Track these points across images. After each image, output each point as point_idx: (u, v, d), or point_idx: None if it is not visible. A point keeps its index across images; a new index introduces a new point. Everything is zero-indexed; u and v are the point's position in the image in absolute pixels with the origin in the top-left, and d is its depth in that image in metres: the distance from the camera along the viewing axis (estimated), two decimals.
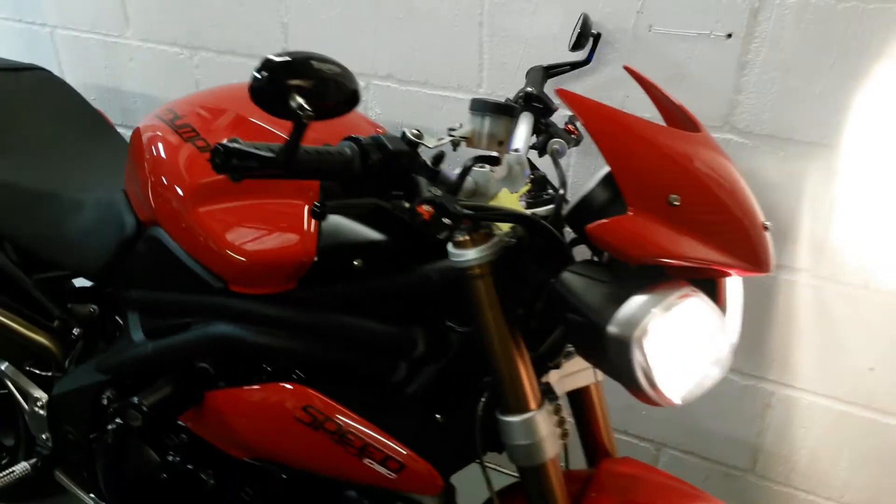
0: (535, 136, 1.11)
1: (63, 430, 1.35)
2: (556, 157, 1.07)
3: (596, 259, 0.87)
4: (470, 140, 0.86)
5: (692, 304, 0.78)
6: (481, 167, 0.90)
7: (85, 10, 1.97)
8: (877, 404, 1.37)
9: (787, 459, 1.51)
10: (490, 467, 1.01)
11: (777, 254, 1.32)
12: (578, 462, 1.14)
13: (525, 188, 0.97)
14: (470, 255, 0.86)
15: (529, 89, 1.14)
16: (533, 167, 1.04)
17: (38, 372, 1.43)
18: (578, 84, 1.38)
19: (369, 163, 0.76)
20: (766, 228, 0.82)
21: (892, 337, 1.31)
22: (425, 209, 0.76)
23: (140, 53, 1.93)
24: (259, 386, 1.00)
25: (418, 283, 0.99)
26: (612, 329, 0.76)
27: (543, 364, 0.98)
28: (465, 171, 0.82)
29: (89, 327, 1.37)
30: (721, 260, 0.78)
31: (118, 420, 1.13)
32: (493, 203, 0.91)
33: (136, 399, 1.03)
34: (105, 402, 1.23)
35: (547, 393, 0.96)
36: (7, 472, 1.44)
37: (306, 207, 0.97)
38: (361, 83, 1.64)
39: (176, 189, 1.00)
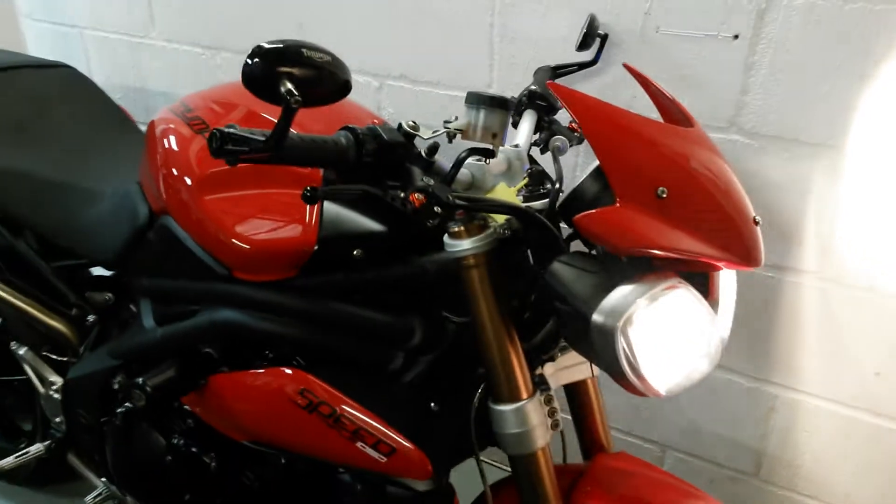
0: (538, 133, 1.13)
1: (76, 413, 1.39)
2: (556, 153, 1.08)
3: (588, 251, 0.89)
4: (465, 132, 0.89)
5: (679, 296, 0.79)
6: (477, 160, 0.92)
7: (113, 12, 2.04)
8: (882, 409, 1.36)
9: (791, 464, 1.50)
10: (486, 462, 1.03)
11: (782, 255, 1.35)
12: (576, 459, 1.15)
13: (522, 182, 0.98)
14: (465, 245, 0.88)
15: (533, 87, 1.15)
16: (533, 162, 1.05)
17: (54, 357, 1.47)
18: (586, 84, 1.39)
19: (364, 152, 0.79)
20: (756, 223, 0.83)
21: None
22: (417, 197, 0.78)
23: (164, 54, 1.99)
24: (258, 370, 1.02)
25: (416, 273, 1.02)
26: (596, 318, 0.77)
27: (537, 356, 1.00)
28: (459, 162, 0.84)
29: (104, 314, 1.41)
30: (708, 252, 0.79)
31: (127, 404, 1.17)
32: (489, 196, 0.94)
33: (140, 380, 1.06)
34: (116, 386, 1.27)
35: (540, 384, 0.98)
36: (22, 452, 1.48)
37: None
38: (375, 83, 1.68)
39: (185, 179, 1.04)
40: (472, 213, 0.88)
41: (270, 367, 1.02)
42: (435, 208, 0.79)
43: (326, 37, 1.67)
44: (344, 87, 0.71)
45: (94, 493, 1.45)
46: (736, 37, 1.24)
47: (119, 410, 1.22)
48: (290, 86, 0.65)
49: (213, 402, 1.10)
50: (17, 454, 1.50)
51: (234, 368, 1.07)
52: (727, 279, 0.90)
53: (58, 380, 1.44)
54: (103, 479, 1.44)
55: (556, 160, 1.03)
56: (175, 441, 1.20)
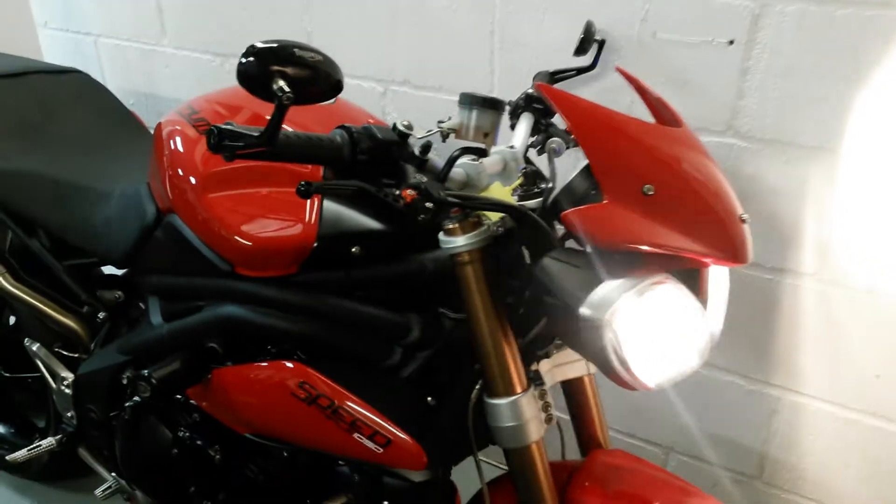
0: (536, 135, 1.15)
1: (86, 408, 1.43)
2: (552, 154, 1.11)
3: (580, 248, 0.91)
4: (458, 132, 0.91)
5: (666, 290, 0.81)
6: (473, 160, 0.95)
7: (126, 20, 2.09)
8: (883, 412, 1.36)
9: (794, 467, 1.51)
10: (485, 462, 1.05)
11: (782, 258, 1.36)
12: (575, 456, 1.16)
13: (517, 182, 1.00)
14: (459, 242, 0.91)
15: (531, 91, 1.18)
16: (529, 163, 1.08)
17: (66, 353, 1.51)
18: (586, 89, 1.41)
19: (359, 150, 0.82)
20: (743, 221, 0.85)
21: None
22: (409, 193, 0.81)
23: (175, 60, 2.04)
24: (260, 364, 1.05)
25: (414, 271, 1.04)
26: (584, 311, 0.79)
27: (532, 352, 1.02)
28: (452, 160, 0.87)
29: (114, 312, 1.45)
30: (695, 248, 0.81)
31: (136, 398, 1.20)
32: (483, 194, 0.96)
33: (146, 372, 1.09)
34: (124, 381, 1.30)
35: (534, 379, 1.00)
36: (34, 445, 1.52)
37: None
38: (380, 89, 1.72)
39: (190, 178, 1.07)
40: (466, 212, 0.91)
41: (272, 361, 1.05)
42: (426, 204, 0.82)
43: (334, 44, 1.71)
44: (336, 86, 0.74)
45: (104, 487, 1.49)
46: (731, 42, 1.26)
47: (127, 405, 1.25)
48: (282, 83, 0.68)
49: (217, 395, 1.12)
50: (29, 447, 1.53)
51: (237, 363, 1.10)
52: (718, 276, 0.92)
53: (69, 375, 1.48)
54: (113, 475, 1.47)
55: (550, 161, 1.06)
56: (181, 434, 1.23)
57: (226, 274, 1.07)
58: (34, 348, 1.51)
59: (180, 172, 1.09)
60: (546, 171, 1.10)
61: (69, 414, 1.50)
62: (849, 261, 1.30)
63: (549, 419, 0.98)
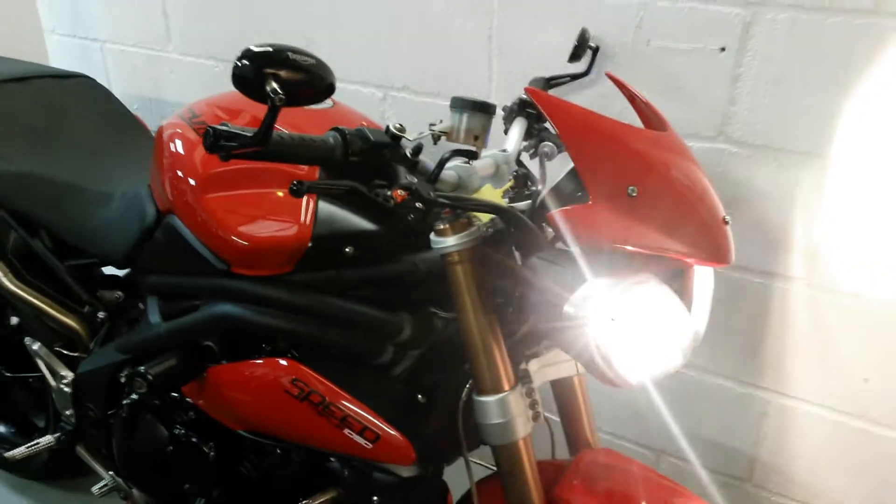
0: (529, 139, 1.18)
1: (85, 406, 1.45)
2: (543, 158, 1.13)
3: (567, 249, 0.93)
4: (448, 135, 0.93)
5: (649, 289, 0.83)
6: (465, 162, 0.97)
7: (131, 26, 2.13)
8: (871, 415, 1.37)
9: (783, 470, 1.52)
10: (476, 463, 1.06)
11: (771, 262, 1.38)
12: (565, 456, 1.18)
13: (508, 184, 1.03)
14: (449, 242, 0.93)
15: (524, 96, 1.20)
16: (521, 166, 1.10)
17: (66, 353, 1.53)
18: (580, 95, 1.43)
19: (351, 151, 0.84)
20: (725, 223, 0.87)
21: (886, 347, 1.32)
22: (399, 193, 0.83)
23: (180, 66, 2.07)
24: (255, 361, 1.07)
25: (406, 271, 1.06)
26: (568, 309, 0.81)
27: (521, 351, 1.03)
28: (442, 162, 0.89)
29: (114, 312, 1.47)
30: (677, 249, 0.83)
31: (133, 396, 1.22)
32: (474, 196, 0.98)
33: (142, 368, 1.11)
34: (122, 380, 1.32)
35: (523, 378, 1.01)
36: (33, 443, 1.54)
37: (305, 197, 1.05)
38: (379, 94, 1.74)
39: (189, 179, 1.10)
40: (457, 213, 0.93)
41: (266, 359, 1.07)
42: (416, 204, 0.84)
43: (334, 50, 1.74)
44: (328, 89, 0.76)
45: (101, 484, 1.51)
46: (722, 49, 1.28)
47: (125, 402, 1.27)
48: (275, 85, 0.70)
49: (212, 393, 1.14)
50: (28, 444, 1.56)
51: (232, 361, 1.12)
52: (702, 278, 0.93)
53: (69, 374, 1.50)
54: (111, 473, 1.49)
55: (542, 164, 1.08)
56: (177, 432, 1.25)
57: (222, 273, 1.09)
58: (35, 347, 1.54)
59: (179, 174, 1.11)
60: (538, 175, 1.13)
61: (68, 412, 1.52)
62: (837, 265, 1.31)
63: (535, 416, 1.00)
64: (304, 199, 1.05)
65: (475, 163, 0.97)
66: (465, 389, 1.01)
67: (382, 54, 1.69)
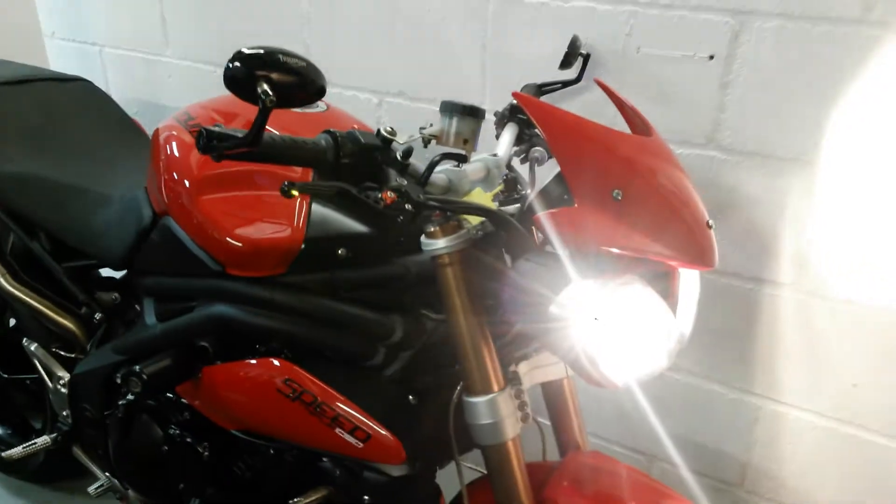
0: (520, 145, 1.19)
1: (81, 407, 1.46)
2: (533, 163, 1.15)
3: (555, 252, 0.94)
4: (438, 138, 0.95)
5: (634, 291, 0.84)
6: (456, 166, 0.99)
7: (130, 31, 2.15)
8: (860, 420, 1.38)
9: (775, 475, 1.53)
10: (467, 467, 1.08)
11: (761, 268, 1.39)
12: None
13: (498, 188, 1.04)
14: (440, 244, 0.94)
15: (515, 102, 1.22)
16: (510, 170, 1.12)
17: (63, 354, 1.54)
18: (572, 102, 1.45)
19: (342, 153, 0.86)
20: (709, 227, 0.88)
21: (875, 353, 1.33)
22: (389, 195, 0.84)
23: (178, 71, 2.09)
24: (248, 361, 1.08)
25: (398, 273, 1.08)
26: (553, 309, 0.82)
27: (510, 353, 1.05)
28: (432, 165, 0.90)
29: (111, 314, 1.49)
30: (661, 251, 0.84)
31: (129, 396, 1.24)
32: (465, 199, 1.00)
33: (137, 368, 1.13)
34: (118, 380, 1.33)
35: (512, 380, 1.03)
36: (30, 443, 1.55)
37: (298, 199, 1.07)
38: (375, 100, 1.76)
39: (184, 181, 1.11)
40: (447, 215, 0.95)
41: (259, 359, 1.08)
42: (406, 206, 0.85)
43: (331, 56, 1.76)
44: (319, 92, 0.78)
45: (97, 485, 1.52)
46: (711, 57, 1.30)
47: (120, 403, 1.28)
48: (266, 87, 0.72)
49: (206, 393, 1.16)
50: (25, 444, 1.57)
51: (226, 361, 1.14)
52: (688, 281, 0.95)
53: (65, 375, 1.51)
54: (107, 474, 1.50)
55: (532, 169, 1.10)
56: (172, 432, 1.26)
57: (217, 274, 1.11)
58: (32, 348, 1.55)
59: (175, 176, 1.13)
60: (528, 180, 1.15)
61: (65, 413, 1.53)
62: (827, 271, 1.33)
63: (525, 418, 1.01)
64: (298, 201, 1.06)
65: (466, 166, 0.98)
66: (456, 391, 1.02)
67: (379, 61, 1.71)
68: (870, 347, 1.34)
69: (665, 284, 0.91)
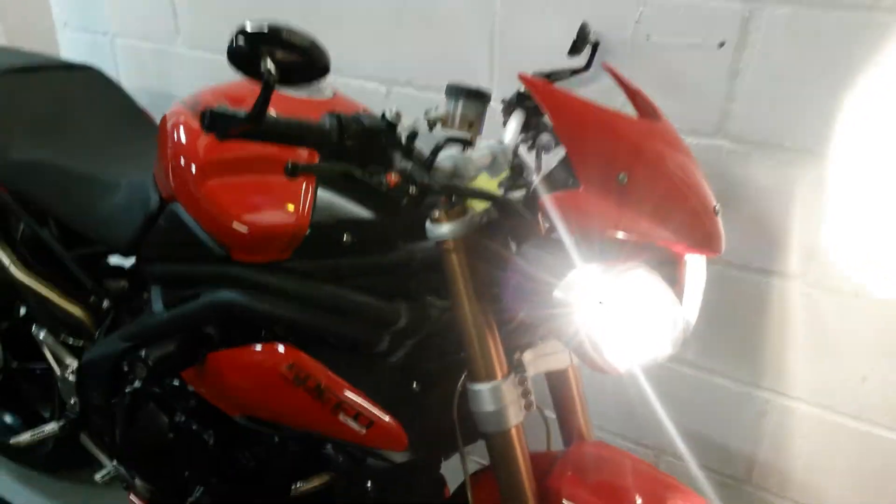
0: (527, 132, 1.18)
1: (88, 394, 1.47)
2: (540, 151, 1.14)
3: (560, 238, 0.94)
4: (444, 121, 0.95)
5: (639, 276, 0.83)
6: (461, 151, 0.98)
7: (141, 20, 2.16)
8: (869, 415, 1.37)
9: (782, 470, 1.51)
10: (472, 460, 1.07)
11: (769, 260, 1.37)
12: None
13: (503, 174, 1.04)
14: (445, 229, 0.94)
15: (523, 90, 1.21)
16: (516, 156, 1.11)
17: (71, 342, 1.55)
18: (581, 91, 1.42)
19: (346, 135, 0.85)
20: (716, 213, 0.87)
21: (883, 346, 1.31)
22: (392, 177, 0.84)
23: (188, 61, 2.10)
24: (252, 346, 1.08)
25: (403, 259, 1.08)
26: (557, 293, 0.82)
27: (514, 340, 1.04)
28: (437, 148, 0.90)
29: (119, 301, 1.49)
30: (666, 236, 0.83)
31: (136, 383, 1.24)
32: (470, 185, 0.99)
33: (142, 353, 1.13)
34: (125, 368, 1.34)
35: (516, 368, 1.02)
36: (38, 430, 1.56)
37: (304, 184, 1.06)
38: (383, 89, 1.76)
39: (191, 166, 1.11)
40: (452, 201, 0.94)
41: (264, 344, 1.08)
42: (410, 189, 0.85)
43: (339, 45, 1.74)
44: (323, 70, 0.77)
45: (104, 472, 1.53)
46: (721, 44, 1.28)
47: (127, 390, 1.29)
48: (269, 64, 0.71)
49: (211, 378, 1.16)
50: (33, 431, 1.58)
51: (231, 347, 1.14)
52: (694, 269, 0.94)
53: (74, 363, 1.52)
54: (115, 463, 1.51)
55: (538, 157, 1.09)
56: (177, 420, 1.26)
57: (222, 260, 1.11)
58: (41, 335, 1.56)
59: (182, 161, 1.13)
60: (534, 168, 1.14)
61: (72, 401, 1.54)
62: (837, 263, 1.31)
63: (528, 406, 1.01)
64: (304, 186, 1.06)
65: (471, 152, 0.98)
66: (461, 380, 1.02)
67: (387, 50, 1.70)
68: (879, 341, 1.32)
69: (671, 271, 0.91)
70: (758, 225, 1.35)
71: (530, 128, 1.18)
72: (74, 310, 1.53)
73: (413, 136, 0.90)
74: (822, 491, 1.48)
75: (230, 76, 1.76)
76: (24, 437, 1.61)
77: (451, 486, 1.23)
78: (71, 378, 1.52)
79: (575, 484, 1.04)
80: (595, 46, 1.36)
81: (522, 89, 1.21)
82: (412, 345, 1.09)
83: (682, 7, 1.30)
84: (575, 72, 1.36)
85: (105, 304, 1.50)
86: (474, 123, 0.95)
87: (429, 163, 0.90)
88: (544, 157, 1.14)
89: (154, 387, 1.27)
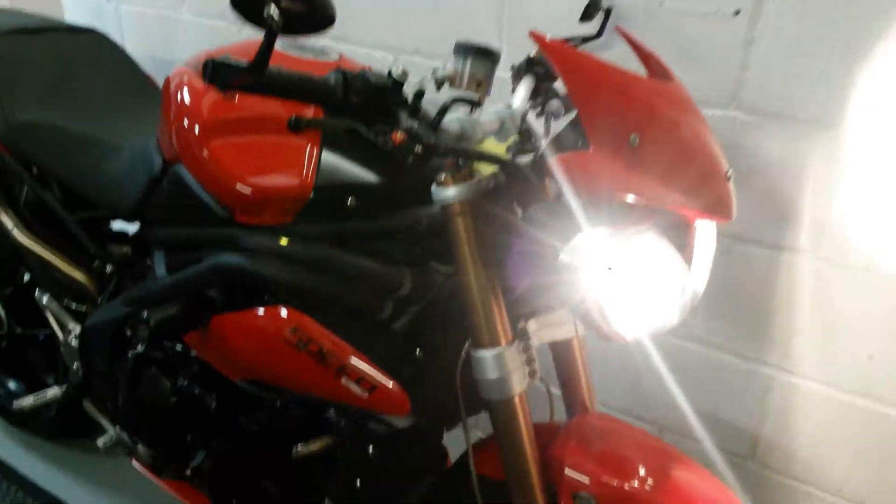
0: (536, 98, 1.16)
1: (91, 359, 1.46)
2: (549, 117, 1.12)
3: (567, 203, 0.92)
4: (452, 80, 0.93)
5: (646, 240, 0.82)
6: (469, 112, 0.97)
7: None
8: (875, 393, 1.35)
9: (786, 447, 1.50)
10: (477, 435, 1.07)
11: (780, 234, 1.35)
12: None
13: (511, 139, 1.02)
14: (450, 193, 0.92)
15: (532, 55, 1.19)
16: (525, 122, 1.09)
17: (74, 306, 1.55)
18: None
19: (352, 91, 0.83)
20: (728, 177, 0.85)
21: (892, 324, 1.29)
22: (398, 136, 0.82)
23: (193, 27, 2.07)
24: (255, 310, 1.07)
25: (408, 224, 1.06)
26: (564, 257, 0.80)
27: (519, 307, 1.03)
28: (444, 108, 0.88)
29: (123, 266, 1.49)
30: (676, 200, 0.82)
31: (138, 347, 1.24)
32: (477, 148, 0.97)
33: (144, 314, 1.12)
34: (128, 332, 1.34)
35: (521, 336, 1.01)
36: (40, 394, 1.56)
37: (309, 145, 1.04)
38: (390, 57, 1.73)
39: (195, 126, 1.09)
40: (458, 164, 0.92)
41: (267, 307, 1.07)
42: (416, 148, 0.83)
43: (347, 13, 1.72)
44: (328, 20, 0.75)
45: (105, 438, 1.53)
46: (737, 12, 1.25)
47: (129, 354, 1.29)
48: (273, 10, 0.69)
49: (214, 342, 1.15)
50: (36, 394, 1.58)
51: (234, 310, 1.13)
52: (704, 235, 0.92)
53: (77, 327, 1.52)
54: (118, 428, 1.51)
55: (547, 122, 1.07)
56: (180, 384, 1.26)
57: (225, 222, 1.10)
58: (44, 300, 1.56)
59: (185, 121, 1.11)
60: (543, 133, 1.12)
61: (75, 366, 1.54)
62: (846, 239, 1.29)
63: (532, 374, 1.00)
64: (308, 148, 1.04)
65: (479, 116, 0.96)
66: (465, 348, 1.00)
67: (394, 19, 1.68)
68: (888, 319, 1.30)
69: (680, 237, 0.89)
70: (769, 198, 1.33)
71: (539, 94, 1.16)
72: (78, 275, 1.53)
73: (420, 94, 0.88)
74: (826, 469, 1.47)
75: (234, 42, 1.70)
76: (27, 400, 1.61)
77: (454, 458, 1.22)
78: (74, 343, 1.52)
79: (578, 454, 1.04)
80: (607, 13, 1.33)
81: (533, 54, 1.19)
82: (416, 311, 1.08)
83: None
84: (586, 39, 1.34)
85: (108, 269, 1.49)
86: (482, 83, 0.93)
87: (435, 123, 0.88)
88: (553, 123, 1.12)
89: (156, 351, 1.27)
